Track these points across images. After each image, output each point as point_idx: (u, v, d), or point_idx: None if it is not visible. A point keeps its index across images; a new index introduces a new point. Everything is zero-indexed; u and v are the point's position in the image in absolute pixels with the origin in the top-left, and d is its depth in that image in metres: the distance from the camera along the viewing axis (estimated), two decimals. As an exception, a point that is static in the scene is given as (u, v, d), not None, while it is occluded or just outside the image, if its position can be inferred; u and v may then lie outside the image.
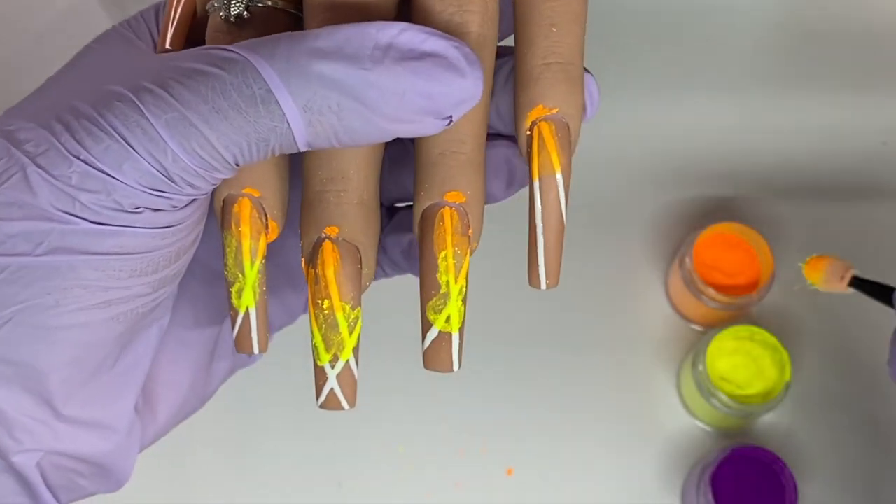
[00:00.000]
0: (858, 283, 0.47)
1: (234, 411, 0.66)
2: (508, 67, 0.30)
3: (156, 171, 0.25)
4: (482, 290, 0.67)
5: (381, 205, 0.35)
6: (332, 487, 0.66)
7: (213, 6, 0.30)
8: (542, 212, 0.29)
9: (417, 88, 0.25)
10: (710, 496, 0.59)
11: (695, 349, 0.64)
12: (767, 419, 0.65)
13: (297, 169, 0.31)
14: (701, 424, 0.66)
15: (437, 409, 0.67)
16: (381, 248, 0.34)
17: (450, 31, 0.27)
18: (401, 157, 0.34)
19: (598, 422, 0.67)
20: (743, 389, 0.62)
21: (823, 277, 0.47)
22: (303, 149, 0.26)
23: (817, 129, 0.71)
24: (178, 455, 0.65)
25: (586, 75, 0.30)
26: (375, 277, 0.35)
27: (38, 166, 0.25)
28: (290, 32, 0.26)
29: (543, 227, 0.29)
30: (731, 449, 0.61)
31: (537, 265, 0.29)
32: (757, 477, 0.61)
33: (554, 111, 0.29)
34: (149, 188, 0.25)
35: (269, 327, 0.35)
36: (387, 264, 0.34)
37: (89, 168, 0.25)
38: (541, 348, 0.68)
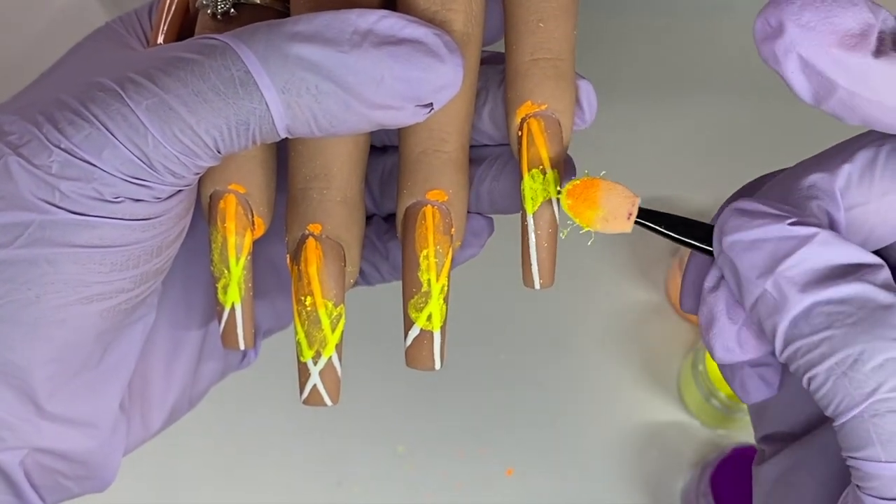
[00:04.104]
0: (651, 217, 0.29)
1: (232, 410, 0.66)
2: (502, 76, 0.30)
3: (136, 159, 0.25)
4: (482, 290, 0.67)
5: (389, 215, 0.34)
6: (332, 487, 0.66)
7: (202, 3, 0.30)
8: (534, 211, 0.29)
9: (396, 73, 0.25)
10: (710, 496, 0.59)
11: (695, 349, 0.64)
12: (768, 419, 0.65)
13: (285, 172, 0.31)
14: (701, 424, 0.66)
15: (437, 409, 0.67)
16: (384, 253, 0.34)
17: None
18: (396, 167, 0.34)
19: (598, 422, 0.66)
20: (743, 389, 0.62)
21: (602, 214, 0.29)
22: (283, 134, 0.26)
23: (817, 128, 0.71)
24: (177, 455, 0.65)
25: (584, 81, 0.30)
26: (373, 282, 0.34)
27: (19, 156, 0.25)
28: (271, 20, 0.26)
29: (535, 225, 0.29)
30: (732, 449, 0.60)
31: (530, 265, 0.29)
32: (757, 477, 0.60)
33: (543, 107, 0.29)
34: (129, 176, 0.25)
35: (258, 331, 0.35)
36: (386, 270, 0.34)
37: (69, 157, 0.25)
38: (540, 348, 0.68)
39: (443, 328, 0.29)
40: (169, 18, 0.31)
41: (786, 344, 0.25)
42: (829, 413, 0.24)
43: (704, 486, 0.60)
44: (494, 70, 0.31)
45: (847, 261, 0.24)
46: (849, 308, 0.24)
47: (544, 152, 0.29)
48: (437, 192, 0.29)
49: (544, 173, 0.29)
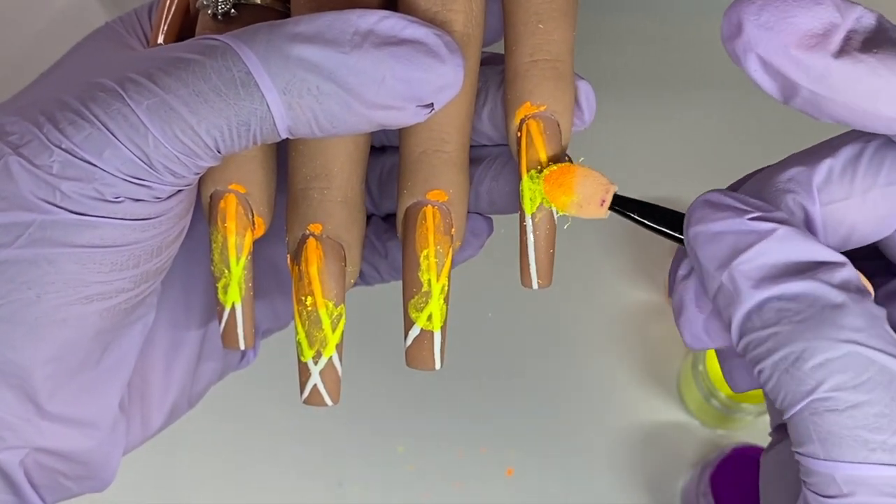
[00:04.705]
0: (626, 204, 0.29)
1: (233, 411, 0.66)
2: (501, 77, 0.30)
3: (136, 159, 0.25)
4: (481, 290, 0.67)
5: (388, 215, 0.34)
6: (332, 487, 0.66)
7: (203, 3, 0.30)
8: (533, 211, 0.29)
9: (396, 73, 0.25)
10: (710, 496, 0.59)
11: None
12: (767, 419, 0.65)
13: (285, 171, 0.31)
14: (701, 424, 0.66)
15: (437, 409, 0.67)
16: (383, 253, 0.34)
17: None
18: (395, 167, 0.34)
19: (599, 422, 0.66)
20: (743, 389, 0.62)
21: (576, 200, 0.29)
22: (284, 135, 0.26)
23: (819, 128, 0.71)
24: (177, 455, 0.65)
25: (583, 82, 0.30)
26: (371, 282, 0.34)
27: (20, 156, 0.25)
28: (272, 21, 0.26)
29: (533, 226, 0.29)
30: (732, 449, 0.60)
31: (528, 265, 0.29)
32: (757, 477, 0.60)
33: (542, 108, 0.29)
34: (130, 176, 0.25)
35: (257, 331, 0.35)
36: (385, 270, 0.34)
37: (70, 157, 0.25)
38: (540, 348, 0.67)
39: (443, 328, 0.29)
40: (169, 19, 0.31)
41: (740, 336, 0.25)
42: (777, 407, 0.24)
43: (704, 486, 0.60)
44: (494, 71, 0.31)
45: (805, 258, 0.24)
46: (798, 305, 0.24)
47: (543, 153, 0.29)
48: (438, 192, 0.29)
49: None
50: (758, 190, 0.27)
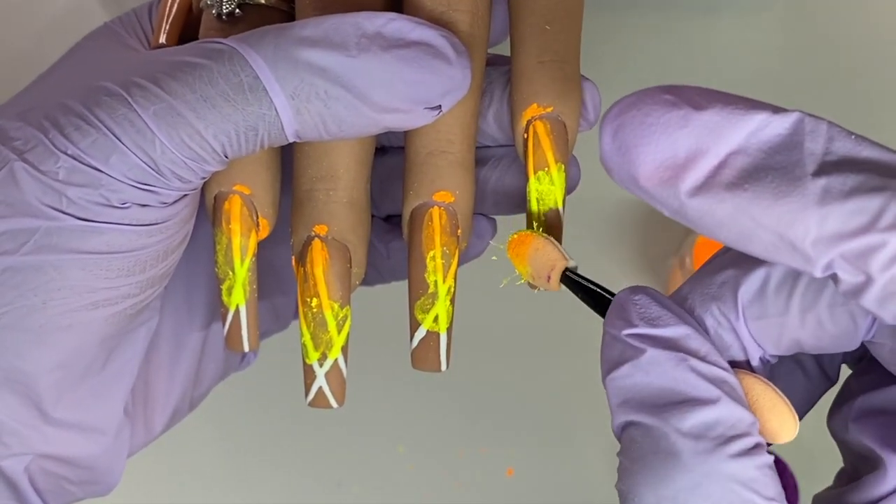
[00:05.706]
0: (572, 283, 0.28)
1: (232, 411, 0.66)
2: (506, 78, 0.30)
3: (144, 164, 0.25)
4: (483, 289, 0.67)
5: (389, 216, 0.34)
6: (331, 487, 0.66)
7: (207, 3, 0.30)
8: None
9: (404, 76, 0.25)
10: (710, 496, 0.59)
11: (695, 349, 0.64)
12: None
13: (289, 173, 0.31)
14: (701, 424, 0.66)
15: (437, 409, 0.67)
16: (385, 253, 0.34)
17: None
18: (399, 167, 0.34)
19: (598, 422, 0.66)
20: (743, 389, 0.62)
21: (530, 271, 0.28)
22: (291, 139, 0.26)
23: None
24: (176, 456, 0.65)
25: (588, 83, 0.30)
26: (373, 283, 0.34)
27: (25, 162, 0.25)
28: (278, 24, 0.26)
29: (541, 228, 0.29)
30: (732, 449, 0.60)
31: None
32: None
33: (549, 109, 0.29)
34: (137, 182, 0.25)
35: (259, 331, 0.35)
36: (387, 271, 0.34)
37: (76, 163, 0.24)
38: (541, 348, 0.67)
39: (449, 329, 0.29)
40: (171, 19, 0.31)
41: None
42: None
43: (705, 485, 0.59)
44: (498, 72, 0.31)
45: (671, 387, 0.22)
46: (643, 441, 0.22)
47: (550, 155, 0.29)
48: (444, 193, 0.29)
49: (550, 175, 0.29)
50: (691, 289, 0.25)
